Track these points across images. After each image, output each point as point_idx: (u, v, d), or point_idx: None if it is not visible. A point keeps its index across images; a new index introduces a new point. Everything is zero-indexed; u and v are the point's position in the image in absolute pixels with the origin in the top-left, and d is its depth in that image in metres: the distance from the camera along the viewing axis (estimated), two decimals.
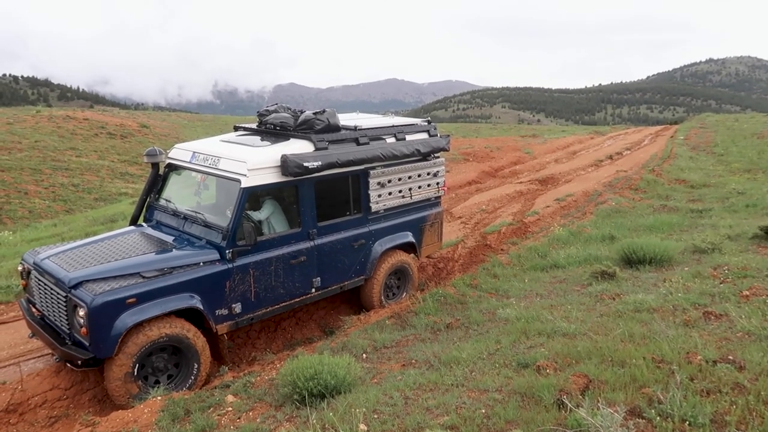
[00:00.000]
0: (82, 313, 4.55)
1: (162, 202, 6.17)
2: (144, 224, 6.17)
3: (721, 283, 5.81)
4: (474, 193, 14.29)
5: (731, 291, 5.43)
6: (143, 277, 4.82)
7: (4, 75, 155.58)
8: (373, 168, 6.50)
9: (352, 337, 5.73)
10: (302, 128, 6.05)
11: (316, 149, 5.86)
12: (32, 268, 5.29)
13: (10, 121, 30.98)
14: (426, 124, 7.44)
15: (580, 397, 3.48)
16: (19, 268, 5.64)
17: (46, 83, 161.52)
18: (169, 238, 5.57)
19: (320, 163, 5.73)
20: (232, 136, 6.49)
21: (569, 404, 3.32)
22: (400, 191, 6.88)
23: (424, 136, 7.23)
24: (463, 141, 26.51)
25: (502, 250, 9.21)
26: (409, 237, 7.13)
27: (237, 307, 5.39)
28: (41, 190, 20.76)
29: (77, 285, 4.67)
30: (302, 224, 5.86)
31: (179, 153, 6.22)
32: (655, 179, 15.54)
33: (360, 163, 6.25)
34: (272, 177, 5.54)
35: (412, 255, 7.35)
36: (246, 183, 5.32)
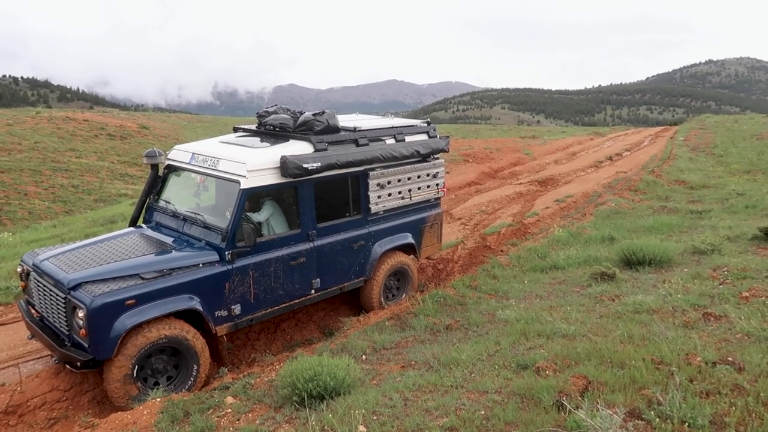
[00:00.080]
0: (81, 314, 4.55)
1: (161, 203, 6.17)
2: (143, 225, 6.17)
3: (720, 285, 5.80)
4: (474, 194, 14.29)
5: (731, 292, 5.43)
6: (142, 279, 4.82)
7: (4, 76, 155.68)
8: (373, 169, 6.50)
9: (351, 338, 5.73)
10: (302, 129, 6.05)
11: (316, 150, 5.86)
12: (31, 270, 5.28)
13: (10, 122, 30.99)
14: (425, 125, 7.44)
15: (580, 398, 3.48)
16: (19, 269, 5.64)
17: (46, 84, 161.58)
18: (169, 240, 5.57)
19: (320, 164, 5.73)
20: (232, 137, 6.50)
21: (568, 406, 3.32)
22: (399, 192, 6.88)
23: (423, 137, 7.23)
24: (463, 142, 26.52)
25: (501, 251, 9.21)
26: (409, 238, 7.13)
27: (236, 309, 5.39)
28: (41, 191, 20.76)
29: (76, 286, 4.67)
30: (302, 225, 5.86)
31: (179, 154, 6.22)
32: (655, 180, 15.55)
33: (359, 164, 6.25)
34: (272, 178, 5.54)
35: (411, 256, 7.35)
36: (245, 184, 5.32)
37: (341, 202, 6.35)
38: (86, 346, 4.60)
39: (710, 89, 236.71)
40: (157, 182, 6.29)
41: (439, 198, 7.63)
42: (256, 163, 5.43)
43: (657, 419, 3.14)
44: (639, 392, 3.50)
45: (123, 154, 29.34)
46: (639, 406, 3.31)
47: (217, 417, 4.06)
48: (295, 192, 5.80)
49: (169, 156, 6.33)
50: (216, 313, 5.25)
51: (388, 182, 6.70)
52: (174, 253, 5.24)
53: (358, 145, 6.31)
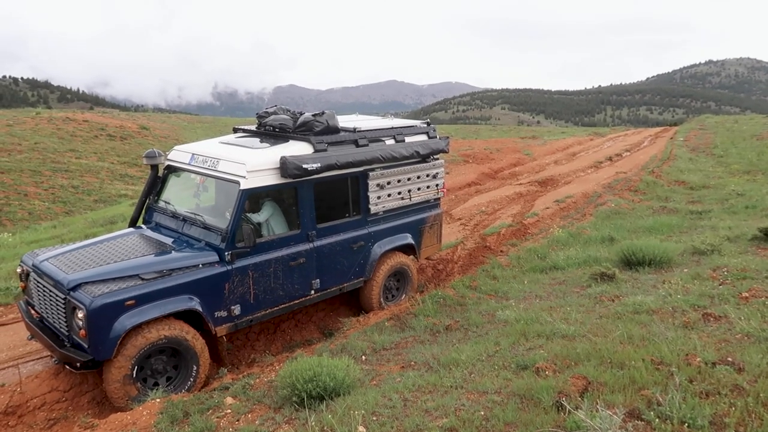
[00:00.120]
0: (80, 315, 4.55)
1: (161, 203, 6.17)
2: (143, 226, 6.17)
3: (720, 285, 5.80)
4: (473, 194, 14.29)
5: (730, 293, 5.43)
6: (142, 279, 4.82)
7: (4, 77, 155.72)
8: (373, 170, 6.51)
9: (351, 338, 5.73)
10: (301, 130, 6.05)
11: (316, 151, 5.86)
12: (31, 270, 5.28)
13: (10, 122, 30.99)
14: (425, 125, 7.44)
15: (579, 399, 3.48)
16: (18, 270, 5.64)
17: (46, 85, 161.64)
18: (168, 240, 5.57)
19: (319, 164, 5.73)
20: (232, 137, 6.50)
21: (568, 406, 3.32)
22: (399, 193, 6.88)
23: (423, 137, 7.23)
24: (463, 142, 26.53)
25: (501, 251, 9.21)
26: (409, 239, 7.13)
27: (236, 309, 5.39)
28: (41, 192, 20.77)
29: (76, 287, 4.67)
30: (301, 226, 5.86)
31: (178, 155, 6.23)
32: (655, 181, 15.55)
33: (359, 164, 6.25)
34: (271, 179, 5.54)
35: (411, 257, 7.35)
36: (245, 185, 5.32)
37: (341, 203, 6.35)
38: (86, 346, 4.60)
39: (710, 90, 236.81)
40: (156, 183, 6.29)
41: (439, 198, 7.63)
42: (256, 164, 5.43)
43: (656, 420, 3.14)
44: (639, 393, 3.50)
45: (123, 155, 29.35)
46: (639, 407, 3.31)
47: (217, 417, 4.06)
48: (294, 192, 5.80)
49: (168, 157, 6.33)
50: (216, 313, 5.25)
51: (388, 183, 6.70)
52: (174, 254, 5.23)
53: (357, 145, 6.31)
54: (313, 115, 6.15)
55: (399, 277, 7.22)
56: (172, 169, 6.30)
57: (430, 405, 3.71)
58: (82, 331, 4.55)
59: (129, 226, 6.28)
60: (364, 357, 5.24)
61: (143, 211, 6.35)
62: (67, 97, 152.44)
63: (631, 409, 3.30)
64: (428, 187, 7.27)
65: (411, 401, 3.83)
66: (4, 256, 9.73)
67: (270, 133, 6.30)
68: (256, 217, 5.64)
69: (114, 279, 4.78)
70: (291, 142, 5.98)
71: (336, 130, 6.20)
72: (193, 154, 6.02)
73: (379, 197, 6.62)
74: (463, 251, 9.16)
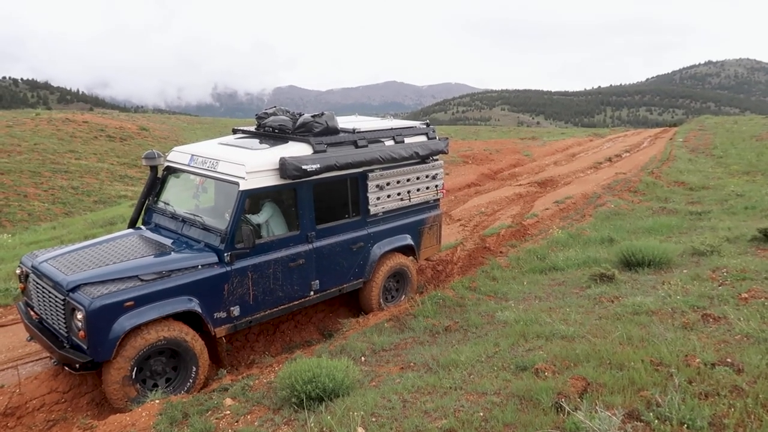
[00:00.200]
0: (80, 316, 4.55)
1: (160, 204, 6.17)
2: (142, 227, 6.16)
3: (719, 286, 5.80)
4: (473, 195, 14.30)
5: (730, 293, 5.42)
6: (141, 280, 4.82)
7: (4, 78, 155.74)
8: (372, 171, 6.51)
9: (350, 340, 5.73)
10: (301, 131, 6.05)
11: (315, 152, 5.86)
12: (30, 271, 5.28)
13: (10, 123, 31.01)
14: (424, 126, 7.44)
15: (579, 400, 3.48)
16: (18, 271, 5.64)
17: (46, 86, 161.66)
18: (168, 241, 5.57)
19: (319, 165, 5.73)
20: (231, 138, 6.50)
21: (567, 407, 3.31)
22: (398, 194, 6.88)
23: (422, 138, 7.23)
24: (463, 143, 26.54)
25: (501, 252, 9.21)
26: (408, 240, 7.13)
27: (235, 310, 5.39)
28: (40, 193, 20.77)
29: (75, 288, 4.67)
30: (301, 227, 5.86)
31: (178, 156, 6.23)
32: (654, 181, 15.56)
33: (358, 165, 6.25)
34: (271, 180, 5.54)
35: (410, 258, 7.35)
36: (244, 186, 5.32)
37: (340, 204, 6.35)
38: (85, 347, 4.60)
39: (710, 90, 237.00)
40: (156, 184, 6.29)
41: (439, 199, 7.63)
42: (255, 165, 5.43)
43: (656, 421, 3.14)
44: (638, 394, 3.49)
45: (122, 156, 29.36)
46: (638, 408, 3.31)
47: (216, 419, 4.06)
48: (294, 193, 5.80)
49: (168, 158, 6.33)
50: (215, 314, 5.25)
51: (387, 184, 6.70)
52: (173, 255, 5.23)
53: (357, 146, 6.31)
54: (312, 116, 6.15)
55: (398, 278, 7.22)
56: (171, 170, 6.30)
57: (430, 406, 3.71)
58: (82, 332, 4.55)
59: (128, 227, 6.28)
60: (363, 358, 5.24)
61: (143, 212, 6.35)
62: (66, 98, 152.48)
63: (631, 410, 3.30)
64: (428, 188, 7.27)
65: (410, 402, 3.83)
66: (3, 257, 9.73)
67: (269, 134, 6.30)
68: (256, 218, 5.64)
69: (113, 280, 4.78)
70: (290, 143, 5.98)
71: (335, 131, 6.20)
72: (192, 155, 6.02)
73: (378, 198, 6.62)
74: (463, 252, 9.16)
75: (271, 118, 6.35)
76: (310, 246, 5.95)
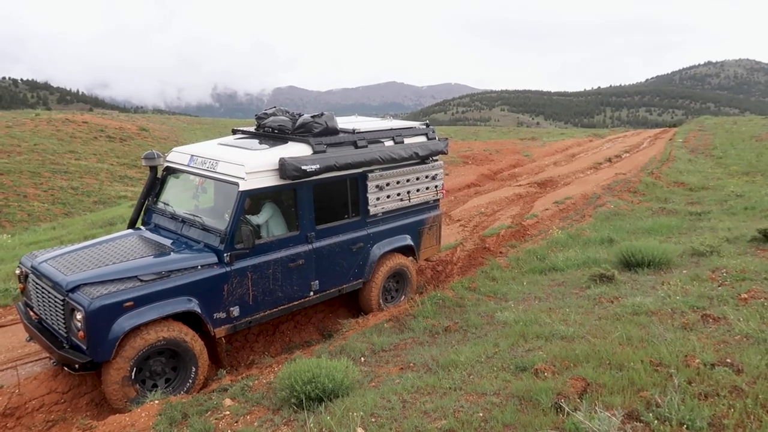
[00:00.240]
0: (79, 316, 4.55)
1: (160, 205, 6.17)
2: (142, 227, 6.16)
3: (719, 286, 5.80)
4: (473, 196, 14.30)
5: (729, 294, 5.43)
6: (141, 281, 4.82)
7: (4, 78, 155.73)
8: (372, 171, 6.51)
9: (350, 340, 5.73)
10: (300, 131, 6.05)
11: (314, 152, 5.86)
12: (30, 272, 5.28)
13: (10, 124, 31.00)
14: (424, 127, 7.45)
15: (578, 400, 3.48)
16: (17, 271, 5.64)
17: (46, 86, 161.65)
18: (167, 242, 5.57)
19: (318, 166, 5.73)
20: (231, 139, 6.50)
21: (567, 408, 3.31)
22: (398, 194, 6.88)
23: (422, 139, 7.24)
24: (462, 144, 26.54)
25: (500, 253, 9.21)
26: (408, 240, 7.13)
27: (235, 311, 5.38)
28: (40, 193, 20.76)
29: (75, 288, 4.66)
30: (300, 227, 5.86)
31: (177, 156, 6.23)
32: (654, 182, 15.56)
33: (358, 166, 6.25)
34: (270, 180, 5.54)
35: (410, 258, 7.35)
36: (244, 186, 5.32)
37: (340, 204, 6.35)
38: (84, 348, 4.59)
39: (709, 91, 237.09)
40: (155, 184, 6.29)
41: (438, 200, 7.63)
42: (255, 165, 5.43)
43: (655, 421, 3.14)
44: (637, 394, 3.50)
45: (122, 156, 29.36)
46: (637, 408, 3.31)
47: (216, 419, 4.06)
48: (293, 194, 5.80)
49: (167, 158, 6.33)
50: (214, 315, 5.24)
51: (387, 184, 6.70)
52: (172, 255, 5.23)
53: (356, 147, 6.31)
54: (312, 117, 6.15)
55: (398, 278, 7.22)
56: (171, 171, 6.30)
57: (429, 406, 3.70)
58: (81, 333, 4.55)
59: (128, 228, 6.28)
60: (363, 358, 5.24)
61: (142, 213, 6.35)
62: (66, 98, 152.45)
63: (630, 411, 3.30)
64: (427, 188, 7.27)
65: (410, 403, 3.83)
66: (3, 258, 9.73)
67: (269, 134, 6.30)
68: (255, 219, 5.64)
69: (113, 280, 4.78)
70: (290, 143, 5.97)
71: (335, 131, 6.20)
72: (192, 155, 6.02)
73: (378, 198, 6.62)
74: (463, 252, 9.16)
75: (271, 118, 6.35)
76: (310, 246, 5.94)
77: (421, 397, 3.91)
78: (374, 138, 6.60)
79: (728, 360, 3.83)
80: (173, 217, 5.89)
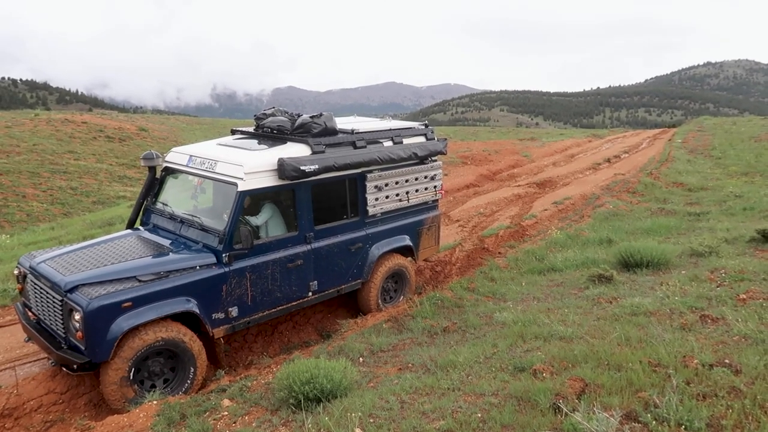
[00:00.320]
0: (77, 317, 4.54)
1: (159, 205, 6.17)
2: (141, 228, 6.16)
3: (718, 287, 5.81)
4: (472, 196, 14.30)
5: (728, 294, 5.43)
6: (139, 281, 4.81)
7: (3, 78, 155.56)
8: (370, 171, 6.51)
9: (348, 340, 5.73)
10: (299, 132, 6.05)
11: (313, 153, 5.86)
12: (28, 272, 5.27)
13: (9, 124, 30.98)
14: (423, 127, 7.45)
15: (576, 401, 3.48)
16: (16, 271, 5.63)
17: (45, 86, 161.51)
18: (166, 242, 5.56)
19: (317, 166, 5.73)
20: (229, 139, 6.49)
21: (565, 408, 3.31)
22: (397, 195, 6.88)
23: (421, 139, 7.24)
24: (462, 144, 26.53)
25: (499, 253, 9.21)
26: (407, 240, 7.13)
27: (234, 311, 5.38)
28: (39, 194, 20.75)
29: (73, 289, 4.66)
30: (299, 228, 5.85)
31: (176, 156, 6.22)
32: (653, 182, 15.57)
33: (357, 166, 6.25)
34: (269, 180, 5.53)
35: (409, 258, 7.35)
36: (243, 186, 5.31)
37: (339, 205, 6.35)
38: (83, 348, 4.59)
39: (708, 91, 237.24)
40: (154, 184, 6.28)
41: (437, 200, 7.63)
42: (254, 166, 5.43)
43: (653, 422, 3.14)
44: (636, 395, 3.50)
45: (121, 157, 29.34)
46: (636, 409, 3.31)
47: (214, 420, 4.05)
48: (292, 194, 5.80)
49: (166, 158, 6.33)
50: (213, 315, 5.24)
51: (386, 184, 6.70)
52: (171, 256, 5.23)
53: (355, 147, 6.31)
54: (311, 117, 6.15)
55: (397, 278, 7.22)
56: (169, 171, 6.30)
57: (427, 407, 3.70)
58: (79, 333, 4.55)
59: (127, 228, 6.27)
60: (361, 359, 5.24)
61: (141, 213, 6.35)
62: (65, 98, 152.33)
63: (628, 411, 3.30)
64: (426, 188, 7.27)
65: (408, 403, 3.83)
66: (1, 258, 9.72)
67: (268, 134, 6.30)
68: (254, 219, 5.64)
69: (111, 281, 4.78)
70: (289, 143, 5.97)
71: (334, 131, 6.20)
72: (190, 155, 6.01)
73: (377, 199, 6.61)
74: (461, 253, 9.16)
75: (270, 118, 6.35)
76: (309, 247, 5.94)
77: (419, 398, 3.91)
78: (373, 138, 6.60)
79: (727, 360, 3.83)
80: (172, 217, 5.88)
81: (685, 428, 3.06)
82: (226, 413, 4.14)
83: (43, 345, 4.96)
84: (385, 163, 6.57)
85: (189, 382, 5.02)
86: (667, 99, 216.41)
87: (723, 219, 10.52)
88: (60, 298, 4.70)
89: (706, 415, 3.17)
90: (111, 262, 5.05)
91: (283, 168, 5.47)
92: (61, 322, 4.76)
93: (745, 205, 11.72)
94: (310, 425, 3.60)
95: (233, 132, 6.83)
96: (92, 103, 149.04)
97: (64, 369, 4.89)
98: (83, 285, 4.70)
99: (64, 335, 4.79)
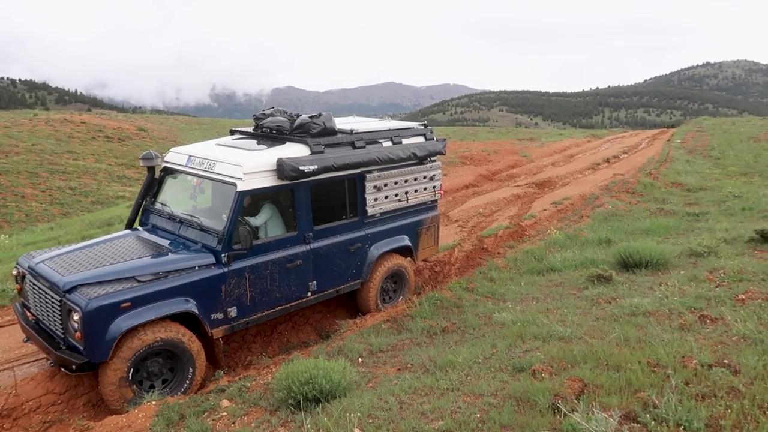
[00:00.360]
0: (76, 317, 4.54)
1: (158, 205, 6.16)
2: (140, 228, 6.16)
3: (716, 287, 5.81)
4: (471, 196, 14.30)
5: (727, 295, 5.43)
6: (138, 281, 4.81)
7: (2, 78, 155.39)
8: (369, 172, 6.50)
9: (348, 341, 5.73)
10: (298, 132, 6.05)
11: (312, 153, 5.85)
12: (27, 272, 5.27)
13: (8, 124, 30.95)
14: (422, 127, 7.45)
15: (575, 401, 3.48)
16: (14, 272, 5.62)
17: (44, 86, 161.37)
18: (165, 242, 5.56)
19: (316, 166, 5.72)
20: (229, 139, 6.49)
21: (564, 409, 3.32)
22: (396, 195, 6.88)
23: (420, 139, 7.24)
24: (461, 144, 26.53)
25: (498, 253, 9.22)
26: (406, 240, 7.13)
27: (232, 311, 5.38)
28: (38, 194, 20.73)
29: (72, 289, 4.65)
30: (298, 228, 5.85)
31: (175, 157, 6.22)
32: (652, 183, 15.58)
33: (356, 166, 6.25)
34: (268, 181, 5.53)
35: (408, 258, 7.35)
36: (242, 187, 5.31)
37: (338, 205, 6.35)
38: (81, 349, 4.59)
39: (708, 92, 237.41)
40: (153, 185, 6.28)
41: (436, 200, 7.63)
42: (253, 166, 5.42)
43: (652, 422, 3.14)
44: (635, 395, 3.50)
45: (120, 157, 29.32)
46: (634, 409, 3.32)
47: (213, 420, 4.05)
48: (291, 194, 5.80)
49: (165, 158, 6.32)
50: (212, 315, 5.24)
51: (385, 185, 6.70)
52: (170, 256, 5.22)
53: (354, 147, 6.31)
54: (310, 117, 6.15)
55: (396, 279, 7.22)
56: (168, 171, 6.29)
57: (426, 407, 3.70)
58: (78, 334, 4.54)
59: (126, 228, 6.27)
60: (360, 359, 5.23)
61: (140, 213, 6.34)
62: (65, 98, 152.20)
63: (627, 412, 3.30)
64: (425, 189, 7.28)
65: (407, 403, 3.83)
66: (0, 258, 9.71)
67: (267, 135, 6.29)
68: (253, 219, 5.64)
69: (110, 281, 4.77)
70: (288, 144, 5.97)
71: (333, 131, 6.20)
72: (189, 155, 6.01)
73: (376, 199, 6.61)
74: (461, 253, 9.16)
75: (269, 119, 6.35)
76: (308, 247, 5.94)
77: (418, 398, 3.91)
78: (372, 138, 6.60)
79: (725, 361, 3.83)
80: (171, 217, 5.88)
81: (684, 428, 3.07)
82: (225, 414, 4.14)
83: (42, 345, 4.95)
84: (384, 164, 6.57)
85: (188, 382, 5.01)
86: (666, 99, 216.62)
87: (722, 219, 10.53)
88: (59, 299, 4.70)
89: (705, 415, 3.17)
90: (110, 262, 5.04)
91: (282, 168, 5.47)
92: (60, 322, 4.75)
93: (744, 205, 11.72)
94: (309, 426, 3.60)
95: (232, 132, 6.83)
96: (91, 103, 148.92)
97: (63, 369, 4.89)
98: (82, 285, 4.69)
99: (62, 335, 4.79)
